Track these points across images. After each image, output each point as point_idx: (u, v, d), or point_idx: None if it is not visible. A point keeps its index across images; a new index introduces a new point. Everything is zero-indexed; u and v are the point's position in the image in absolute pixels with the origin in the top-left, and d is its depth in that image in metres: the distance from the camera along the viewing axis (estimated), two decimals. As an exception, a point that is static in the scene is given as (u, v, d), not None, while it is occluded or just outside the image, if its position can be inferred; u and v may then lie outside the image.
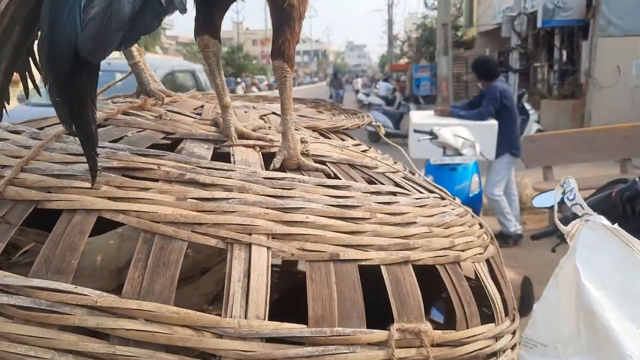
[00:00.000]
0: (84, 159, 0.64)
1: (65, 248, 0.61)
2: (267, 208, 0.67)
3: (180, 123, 0.83)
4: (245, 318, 0.60)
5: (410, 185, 0.91)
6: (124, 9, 0.56)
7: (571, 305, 0.99)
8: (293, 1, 0.77)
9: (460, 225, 0.87)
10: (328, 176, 0.80)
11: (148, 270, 0.61)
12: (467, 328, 0.74)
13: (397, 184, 0.89)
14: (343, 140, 1.02)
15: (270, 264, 0.64)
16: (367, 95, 25.95)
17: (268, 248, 0.65)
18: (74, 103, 0.57)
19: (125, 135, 0.78)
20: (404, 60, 33.34)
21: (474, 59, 5.89)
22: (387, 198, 0.79)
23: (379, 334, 0.65)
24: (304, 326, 0.62)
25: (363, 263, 0.69)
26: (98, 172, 0.64)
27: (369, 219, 0.73)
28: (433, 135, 4.37)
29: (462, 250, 0.82)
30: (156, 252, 0.62)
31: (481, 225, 0.96)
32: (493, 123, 5.01)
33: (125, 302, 0.58)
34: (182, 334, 0.58)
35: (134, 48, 0.98)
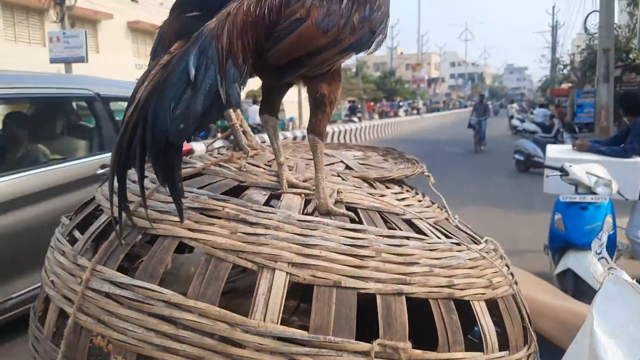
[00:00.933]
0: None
1: (156, 261, 0.93)
2: (292, 243, 0.93)
3: (251, 174, 1.12)
4: (264, 321, 0.86)
5: (432, 231, 1.10)
6: (197, 109, 0.87)
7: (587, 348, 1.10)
8: (324, 91, 1.04)
9: (469, 268, 1.04)
10: (352, 221, 1.03)
11: (205, 281, 0.90)
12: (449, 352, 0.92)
13: (418, 230, 1.09)
14: (388, 187, 1.24)
15: (287, 284, 0.89)
16: (522, 121, 24.68)
17: (287, 273, 0.90)
18: (166, 169, 0.89)
19: (211, 183, 1.09)
20: (566, 85, 31.29)
21: (621, 93, 5.54)
22: (397, 241, 1.00)
23: (362, 345, 0.86)
24: (305, 332, 0.86)
25: (362, 291, 0.91)
26: (184, 210, 0.96)
27: (373, 257, 0.95)
28: (563, 172, 4.24)
29: (461, 289, 0.99)
30: (211, 269, 0.91)
31: (500, 271, 1.11)
32: (637, 161, 4.69)
33: (187, 301, 0.87)
34: (221, 326, 0.86)
35: (232, 112, 1.31)
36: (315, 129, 1.06)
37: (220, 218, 0.97)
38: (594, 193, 4.16)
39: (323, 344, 0.86)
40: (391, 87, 50.46)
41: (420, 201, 1.26)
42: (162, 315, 0.89)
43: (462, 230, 1.22)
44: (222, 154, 1.26)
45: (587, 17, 17.57)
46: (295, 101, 30.16)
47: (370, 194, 1.15)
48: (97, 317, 0.93)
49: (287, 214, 0.98)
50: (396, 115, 39.75)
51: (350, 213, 1.04)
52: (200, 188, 1.05)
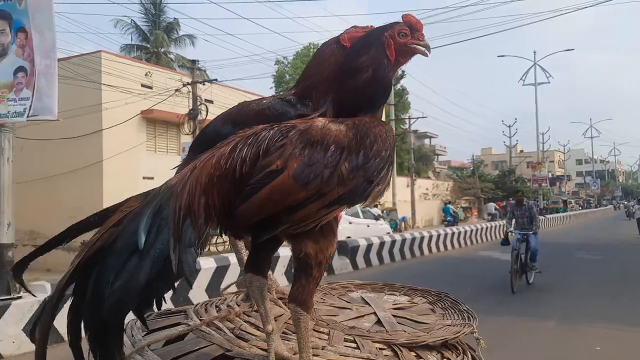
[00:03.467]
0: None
1: None
2: None
3: (242, 340, 0.95)
4: None
5: None
6: (140, 280, 0.74)
7: None
8: (310, 251, 0.85)
9: None
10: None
11: None
12: None
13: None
14: (419, 356, 0.99)
15: None
16: (666, 221, 22.19)
17: None
18: (104, 352, 0.75)
19: (193, 351, 0.93)
20: None
21: None
22: None
23: None
24: None
25: None
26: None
27: None
28: None
29: None
30: None
31: None
32: None
33: None
34: None
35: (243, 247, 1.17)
36: (298, 297, 0.87)
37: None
38: None
39: None
40: (511, 186, 48.57)
41: (463, 375, 0.99)
42: None
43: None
44: (229, 307, 1.11)
45: None
46: (408, 200, 29.90)
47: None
48: None
49: (259, 406, 0.79)
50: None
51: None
52: (176, 359, 0.90)
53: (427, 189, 39.06)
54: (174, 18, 34.16)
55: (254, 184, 0.86)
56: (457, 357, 1.06)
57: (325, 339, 1.00)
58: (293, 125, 0.91)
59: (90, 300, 0.75)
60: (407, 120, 36.83)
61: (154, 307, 0.78)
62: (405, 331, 1.08)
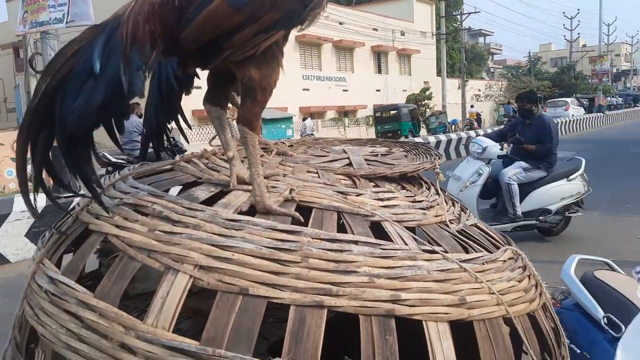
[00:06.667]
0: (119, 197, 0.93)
1: (78, 257, 0.92)
2: (205, 244, 0.84)
3: (213, 171, 1.06)
4: (156, 327, 0.79)
5: (403, 237, 0.92)
6: (97, 99, 0.84)
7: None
8: (254, 75, 0.93)
9: (433, 281, 0.85)
10: (297, 221, 0.91)
11: (113, 279, 0.85)
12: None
13: (387, 234, 0.92)
14: (377, 185, 1.08)
15: (187, 289, 0.81)
16: None
17: (190, 276, 0.82)
18: (74, 162, 0.88)
19: (167, 179, 1.05)
20: None
21: None
22: (336, 245, 0.85)
23: (256, 364, 0.74)
24: (196, 343, 0.77)
25: (274, 300, 0.79)
26: (117, 205, 0.93)
27: (298, 262, 0.82)
28: None
29: (411, 306, 0.81)
30: (121, 268, 0.86)
31: (486, 287, 0.89)
32: None
33: (91, 299, 0.84)
34: (116, 328, 0.81)
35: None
36: (244, 118, 0.96)
37: (147, 215, 0.92)
38: None
39: (211, 357, 0.75)
40: (570, 83, 46.09)
41: (418, 201, 1.07)
42: (73, 313, 0.86)
43: (468, 236, 1.01)
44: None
45: None
46: (458, 103, 29.18)
47: (340, 192, 1.00)
48: (33, 309, 0.94)
49: (214, 213, 0.90)
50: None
51: (294, 213, 0.92)
52: (152, 184, 1.02)
53: (479, 90, 37.77)
54: None
55: (193, 10, 0.92)
56: (418, 189, 1.14)
57: (288, 171, 1.10)
58: None
59: (57, 118, 0.86)
60: (458, 17, 34.97)
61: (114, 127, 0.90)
62: (370, 168, 1.16)
